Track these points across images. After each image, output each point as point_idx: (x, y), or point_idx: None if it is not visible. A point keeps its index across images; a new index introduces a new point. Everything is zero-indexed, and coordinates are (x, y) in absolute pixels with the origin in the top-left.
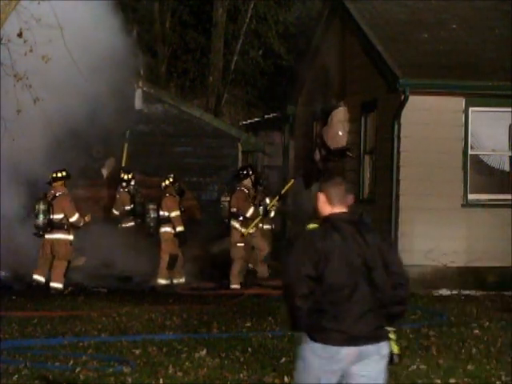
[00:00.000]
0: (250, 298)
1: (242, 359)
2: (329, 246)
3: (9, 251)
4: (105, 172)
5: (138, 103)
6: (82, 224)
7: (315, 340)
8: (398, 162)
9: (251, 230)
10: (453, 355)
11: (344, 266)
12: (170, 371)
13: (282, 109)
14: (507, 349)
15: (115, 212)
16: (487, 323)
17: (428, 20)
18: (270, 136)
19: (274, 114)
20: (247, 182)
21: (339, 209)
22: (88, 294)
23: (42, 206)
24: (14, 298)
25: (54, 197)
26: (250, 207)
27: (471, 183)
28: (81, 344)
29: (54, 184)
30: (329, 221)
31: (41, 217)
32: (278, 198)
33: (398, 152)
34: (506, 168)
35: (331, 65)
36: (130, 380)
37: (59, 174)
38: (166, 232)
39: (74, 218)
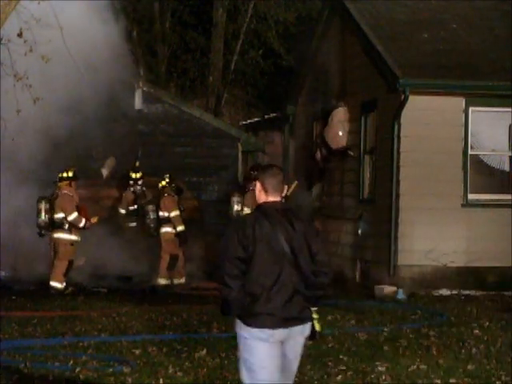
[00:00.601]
0: None
1: None
2: (258, 232)
3: (9, 251)
4: (105, 172)
5: (138, 103)
6: (82, 225)
7: (250, 325)
8: (398, 162)
9: None
10: (453, 355)
11: (272, 251)
12: (170, 371)
13: (282, 109)
14: (507, 349)
15: (121, 211)
16: (487, 323)
17: (428, 20)
18: (270, 136)
19: (274, 114)
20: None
21: (273, 197)
22: (88, 293)
23: (43, 205)
24: (13, 298)
25: (57, 196)
26: None
27: (471, 183)
28: (81, 344)
29: (60, 184)
30: (261, 208)
31: (42, 216)
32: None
33: (398, 152)
34: (506, 168)
35: (331, 65)
36: (130, 380)
37: (65, 174)
38: (166, 232)
39: (71, 217)
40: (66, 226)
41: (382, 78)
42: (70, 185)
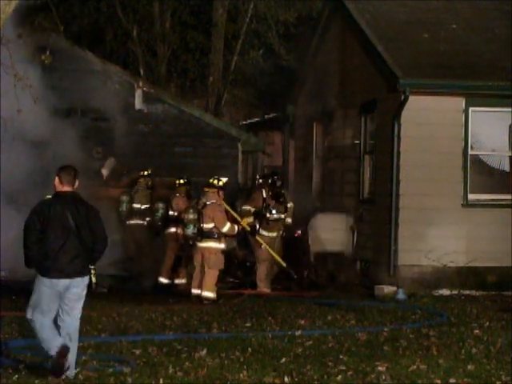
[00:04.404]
0: (250, 298)
1: (241, 359)
2: (51, 211)
3: (9, 251)
4: (105, 172)
5: (138, 103)
6: (236, 232)
7: (43, 275)
8: (398, 161)
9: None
10: (453, 355)
11: (60, 225)
12: (170, 371)
13: (282, 109)
14: (507, 349)
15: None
16: (487, 323)
17: (428, 20)
18: (270, 136)
19: (274, 114)
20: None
21: (67, 188)
22: (88, 293)
23: (191, 216)
24: (13, 298)
25: (205, 205)
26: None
27: (471, 183)
28: (81, 344)
29: (207, 190)
30: (57, 195)
31: (191, 227)
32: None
33: (398, 152)
34: (506, 168)
35: (331, 65)
36: (130, 380)
37: (215, 182)
38: (174, 232)
39: (225, 229)
40: (216, 235)
41: (382, 77)
42: (217, 193)
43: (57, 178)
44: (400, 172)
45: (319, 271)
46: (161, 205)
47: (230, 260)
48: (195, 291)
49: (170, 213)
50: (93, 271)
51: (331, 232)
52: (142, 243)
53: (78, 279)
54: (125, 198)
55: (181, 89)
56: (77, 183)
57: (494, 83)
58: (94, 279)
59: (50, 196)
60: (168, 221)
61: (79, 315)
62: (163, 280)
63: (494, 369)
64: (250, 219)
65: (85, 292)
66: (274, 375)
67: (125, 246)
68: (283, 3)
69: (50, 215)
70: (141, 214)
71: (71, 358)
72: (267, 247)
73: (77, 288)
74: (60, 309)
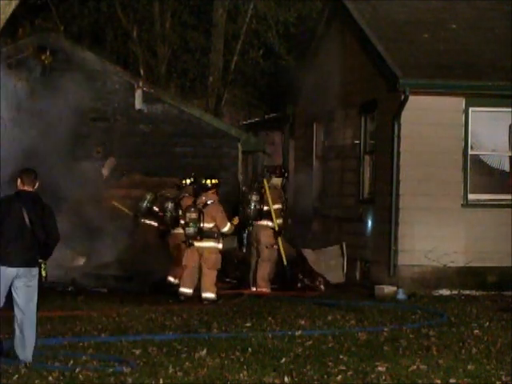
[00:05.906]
0: (250, 298)
1: (242, 359)
2: (9, 208)
3: None
4: (105, 172)
5: (138, 103)
6: (232, 231)
7: None
8: (398, 161)
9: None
10: (453, 355)
11: (16, 221)
12: (170, 371)
13: (282, 109)
14: (507, 349)
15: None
16: (487, 323)
17: (428, 20)
18: (270, 136)
19: (274, 114)
20: (277, 181)
21: (27, 188)
22: (88, 293)
23: (194, 215)
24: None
25: (205, 205)
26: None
27: (471, 183)
28: (81, 344)
29: (207, 191)
30: (17, 193)
31: (192, 226)
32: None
33: (398, 152)
34: (506, 168)
35: (331, 65)
36: (130, 380)
37: (213, 181)
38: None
39: (225, 229)
40: (216, 235)
41: (382, 77)
42: (216, 193)
43: (19, 179)
44: (400, 172)
45: (315, 275)
46: (170, 204)
47: (230, 260)
48: (185, 290)
49: (180, 213)
50: (43, 265)
51: (326, 265)
52: (151, 243)
53: (26, 269)
54: (149, 196)
55: (181, 89)
56: (37, 184)
57: (494, 83)
58: (43, 272)
59: (10, 194)
60: (177, 221)
61: (34, 307)
62: (172, 280)
63: (494, 369)
64: (280, 220)
65: (34, 283)
66: (274, 375)
67: (133, 244)
68: (283, 3)
69: (9, 210)
70: (157, 216)
71: (29, 348)
72: (281, 244)
73: (24, 277)
74: (14, 301)
